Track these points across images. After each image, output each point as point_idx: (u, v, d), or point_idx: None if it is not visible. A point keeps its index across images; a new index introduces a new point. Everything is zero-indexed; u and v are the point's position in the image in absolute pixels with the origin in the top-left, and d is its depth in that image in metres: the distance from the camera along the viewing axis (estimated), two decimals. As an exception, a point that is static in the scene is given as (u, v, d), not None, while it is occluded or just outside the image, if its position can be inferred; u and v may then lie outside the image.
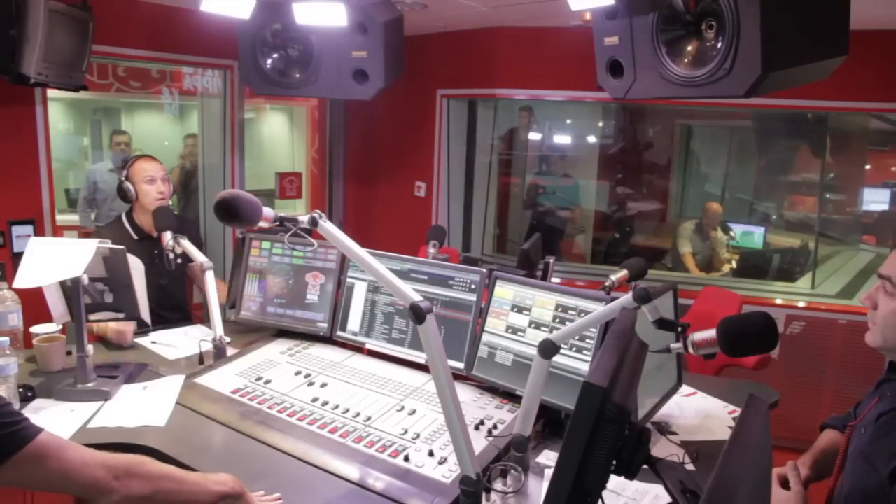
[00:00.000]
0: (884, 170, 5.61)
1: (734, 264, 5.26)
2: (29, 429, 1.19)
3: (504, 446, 1.66)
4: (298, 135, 7.58)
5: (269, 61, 3.46)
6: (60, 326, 2.28)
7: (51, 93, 3.38)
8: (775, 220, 5.96)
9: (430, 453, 1.63)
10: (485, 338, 2.00)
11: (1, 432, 1.15)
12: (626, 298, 1.43)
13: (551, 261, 2.49)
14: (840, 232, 5.60)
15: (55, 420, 1.80)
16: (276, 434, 1.75)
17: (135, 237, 2.82)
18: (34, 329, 2.27)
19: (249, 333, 2.48)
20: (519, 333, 1.93)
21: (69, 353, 2.24)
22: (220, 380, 2.07)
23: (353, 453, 1.65)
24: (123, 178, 2.80)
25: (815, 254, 4.85)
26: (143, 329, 2.55)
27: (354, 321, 2.30)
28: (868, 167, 5.59)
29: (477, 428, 1.76)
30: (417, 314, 1.34)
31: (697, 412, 2.08)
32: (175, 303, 2.90)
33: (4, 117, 3.22)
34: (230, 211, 1.30)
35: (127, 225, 2.85)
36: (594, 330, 1.78)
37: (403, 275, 2.18)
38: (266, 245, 2.50)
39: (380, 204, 5.12)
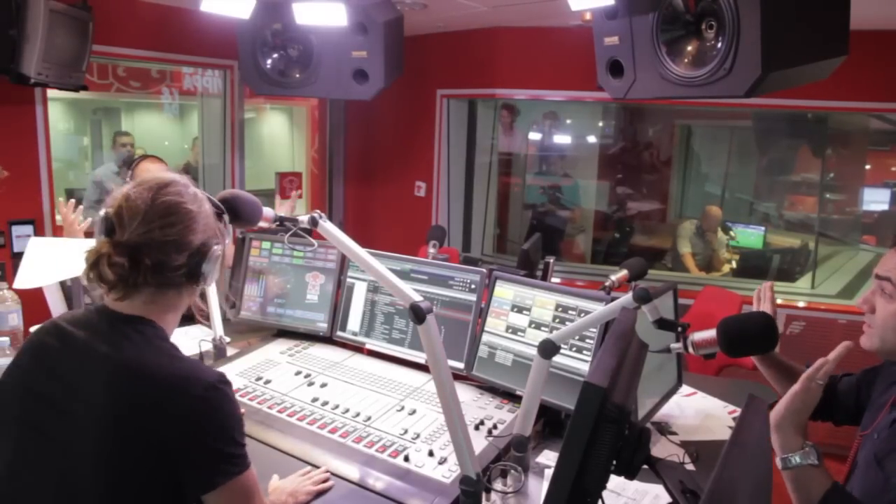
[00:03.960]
0: (884, 170, 5.60)
1: (734, 264, 5.26)
2: (247, 457, 1.15)
3: (504, 446, 1.65)
4: (298, 135, 7.58)
5: (269, 61, 3.46)
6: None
7: (51, 93, 3.38)
8: (775, 220, 5.95)
9: (430, 453, 1.63)
10: (485, 338, 2.00)
11: (230, 449, 1.11)
12: (626, 298, 1.43)
13: (551, 261, 2.49)
14: (840, 232, 5.59)
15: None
16: (276, 434, 1.75)
17: None
18: (34, 329, 2.26)
19: (249, 333, 2.48)
20: (519, 333, 1.93)
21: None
22: (220, 380, 2.07)
23: (353, 453, 1.65)
24: (128, 179, 2.79)
25: (815, 254, 4.85)
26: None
27: (354, 321, 2.30)
28: (868, 167, 5.58)
29: (477, 428, 1.76)
30: (417, 314, 1.34)
31: (697, 412, 2.08)
32: None
33: (4, 117, 3.22)
34: (230, 211, 1.30)
35: None
36: (594, 330, 1.78)
37: (403, 275, 2.18)
38: (266, 245, 2.50)
39: (380, 204, 5.12)
